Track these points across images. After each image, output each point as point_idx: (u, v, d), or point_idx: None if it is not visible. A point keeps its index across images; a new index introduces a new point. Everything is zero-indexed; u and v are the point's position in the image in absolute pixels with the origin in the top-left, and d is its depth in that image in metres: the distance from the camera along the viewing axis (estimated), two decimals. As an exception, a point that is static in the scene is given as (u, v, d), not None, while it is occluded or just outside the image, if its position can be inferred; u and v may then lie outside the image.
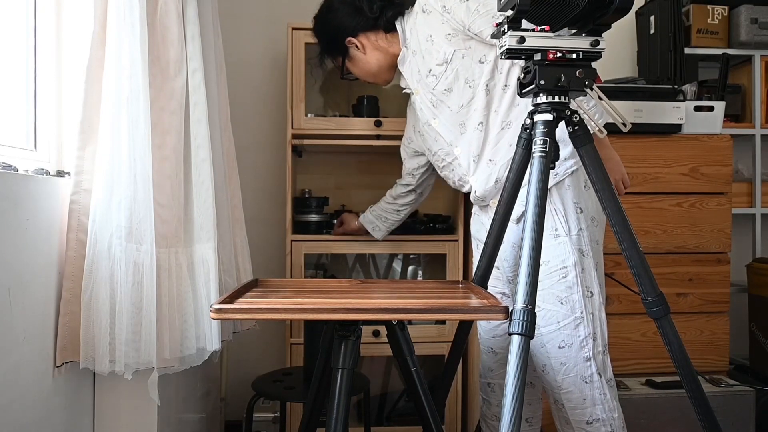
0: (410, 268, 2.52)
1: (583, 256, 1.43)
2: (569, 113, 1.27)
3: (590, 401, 1.41)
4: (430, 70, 1.55)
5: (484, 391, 1.66)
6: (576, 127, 1.28)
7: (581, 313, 1.41)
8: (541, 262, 1.40)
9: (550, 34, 1.22)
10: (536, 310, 1.39)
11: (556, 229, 1.43)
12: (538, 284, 1.39)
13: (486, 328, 1.63)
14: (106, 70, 1.30)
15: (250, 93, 2.48)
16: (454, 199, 2.22)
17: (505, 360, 1.57)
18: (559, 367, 1.41)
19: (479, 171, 1.56)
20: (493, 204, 1.55)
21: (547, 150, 1.21)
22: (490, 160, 1.54)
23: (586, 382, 1.41)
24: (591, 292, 1.43)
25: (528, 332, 1.09)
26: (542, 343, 1.42)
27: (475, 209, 1.70)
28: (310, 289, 1.36)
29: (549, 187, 1.45)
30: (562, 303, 1.41)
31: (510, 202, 1.36)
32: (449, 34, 1.51)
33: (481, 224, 1.66)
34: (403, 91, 1.71)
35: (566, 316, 1.41)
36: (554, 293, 1.41)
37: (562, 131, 1.29)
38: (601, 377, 1.42)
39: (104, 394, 1.41)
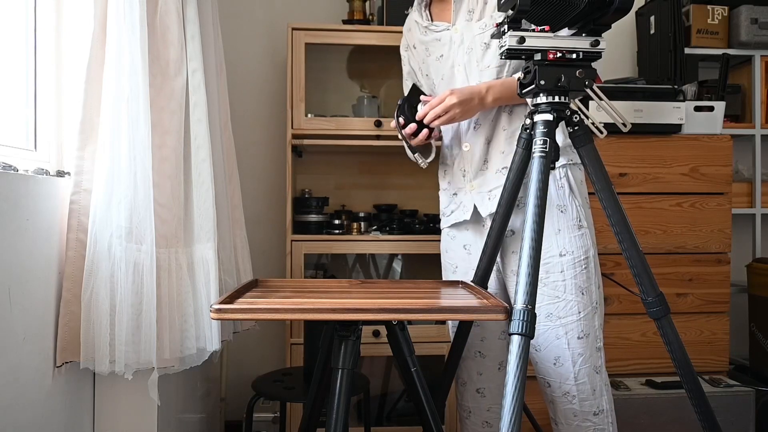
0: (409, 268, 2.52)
1: (595, 248, 1.46)
2: (569, 113, 1.27)
3: (599, 392, 1.42)
4: (482, 18, 1.49)
5: (472, 399, 1.61)
6: (576, 127, 1.28)
7: (596, 303, 1.43)
8: (564, 253, 1.41)
9: (550, 34, 1.22)
10: (556, 301, 1.40)
11: (579, 220, 1.44)
12: (560, 275, 1.41)
13: (473, 333, 1.60)
14: (106, 70, 1.30)
15: (250, 93, 2.48)
16: (454, 199, 2.22)
17: (495, 362, 1.57)
18: (576, 357, 1.41)
19: (474, 138, 1.54)
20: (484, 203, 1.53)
21: (547, 150, 1.21)
22: (488, 139, 1.52)
23: (596, 372, 1.42)
24: (599, 284, 1.46)
25: (528, 332, 1.09)
26: (558, 335, 1.41)
27: (450, 233, 1.63)
28: (310, 289, 1.36)
29: (566, 174, 1.45)
30: (583, 293, 1.42)
31: (510, 201, 1.36)
32: None
33: (462, 248, 1.60)
34: (427, 28, 1.60)
35: (586, 306, 1.42)
36: (577, 284, 1.42)
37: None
38: (605, 368, 1.44)
39: (104, 394, 1.41)
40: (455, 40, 1.54)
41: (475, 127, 1.53)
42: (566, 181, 1.45)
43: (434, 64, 1.60)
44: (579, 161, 1.48)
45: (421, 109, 1.47)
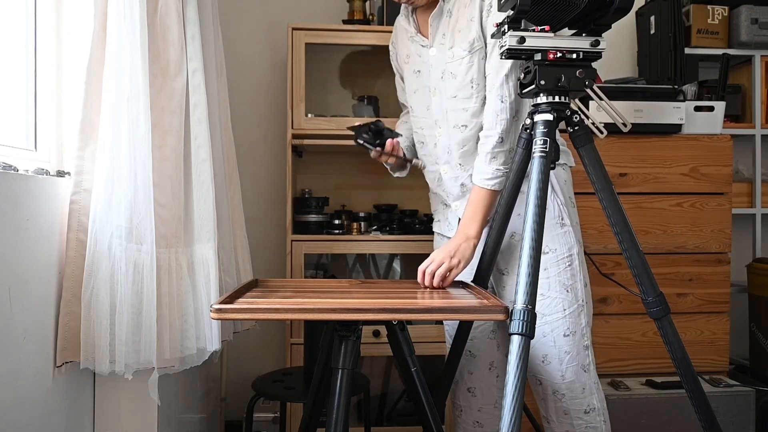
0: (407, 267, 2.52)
1: (580, 247, 1.46)
2: (569, 113, 1.27)
3: (588, 390, 1.43)
4: (452, 47, 1.48)
5: (463, 397, 1.61)
6: (576, 127, 1.28)
7: (582, 301, 1.43)
8: (546, 251, 1.41)
9: (551, 34, 1.22)
10: (540, 298, 1.40)
11: (562, 218, 1.44)
12: (543, 272, 1.40)
13: None
14: (106, 70, 1.30)
15: (250, 93, 2.48)
16: (454, 199, 2.22)
17: (486, 362, 1.57)
18: (563, 356, 1.41)
19: (450, 165, 1.54)
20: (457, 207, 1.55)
21: (547, 150, 1.21)
22: (460, 164, 1.53)
23: (585, 370, 1.42)
24: (586, 282, 1.46)
25: (528, 332, 1.09)
26: (544, 333, 1.42)
27: (438, 225, 1.67)
28: (310, 289, 1.36)
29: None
30: (567, 291, 1.42)
31: (510, 202, 1.36)
32: (479, 36, 1.45)
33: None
34: (412, 37, 1.58)
35: (571, 303, 1.42)
36: (561, 281, 1.42)
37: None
38: (594, 366, 1.45)
39: (104, 394, 1.41)
40: (432, 62, 1.53)
41: (449, 153, 1.53)
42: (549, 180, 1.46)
43: (410, 76, 1.61)
44: (564, 162, 1.49)
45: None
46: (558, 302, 1.41)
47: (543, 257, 1.41)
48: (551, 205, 1.44)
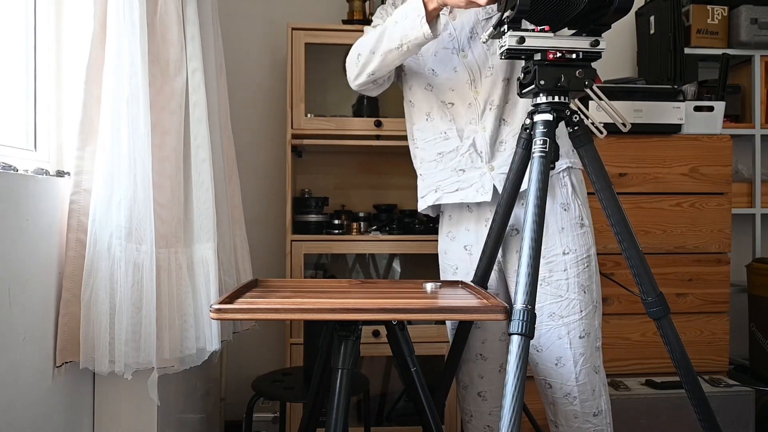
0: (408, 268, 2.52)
1: (595, 247, 1.46)
2: (569, 113, 1.27)
3: (597, 392, 1.42)
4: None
5: (473, 402, 1.59)
6: (576, 127, 1.28)
7: (597, 302, 1.43)
8: (567, 251, 1.41)
9: (550, 34, 1.22)
10: (558, 300, 1.40)
11: (582, 219, 1.44)
12: (563, 273, 1.40)
13: (474, 335, 1.57)
14: (106, 70, 1.30)
15: (250, 93, 2.48)
16: (454, 199, 2.22)
17: (496, 364, 1.56)
18: (578, 357, 1.40)
19: (492, 123, 1.46)
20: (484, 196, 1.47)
21: (547, 150, 1.21)
22: (504, 120, 1.47)
23: (596, 372, 1.42)
24: (599, 282, 1.46)
25: (528, 332, 1.09)
26: (560, 335, 1.41)
27: (448, 224, 1.58)
28: (310, 289, 1.36)
29: (569, 173, 1.45)
30: (585, 292, 1.42)
31: (510, 202, 1.36)
32: None
33: (462, 249, 1.55)
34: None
35: (587, 305, 1.41)
36: (579, 282, 1.41)
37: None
38: (603, 368, 1.44)
39: (104, 394, 1.41)
40: (456, 25, 1.47)
41: (490, 108, 1.46)
42: (569, 180, 1.45)
43: (440, 49, 1.51)
44: (576, 165, 1.48)
45: None
46: (575, 303, 1.41)
47: (563, 258, 1.41)
48: (572, 205, 1.44)
